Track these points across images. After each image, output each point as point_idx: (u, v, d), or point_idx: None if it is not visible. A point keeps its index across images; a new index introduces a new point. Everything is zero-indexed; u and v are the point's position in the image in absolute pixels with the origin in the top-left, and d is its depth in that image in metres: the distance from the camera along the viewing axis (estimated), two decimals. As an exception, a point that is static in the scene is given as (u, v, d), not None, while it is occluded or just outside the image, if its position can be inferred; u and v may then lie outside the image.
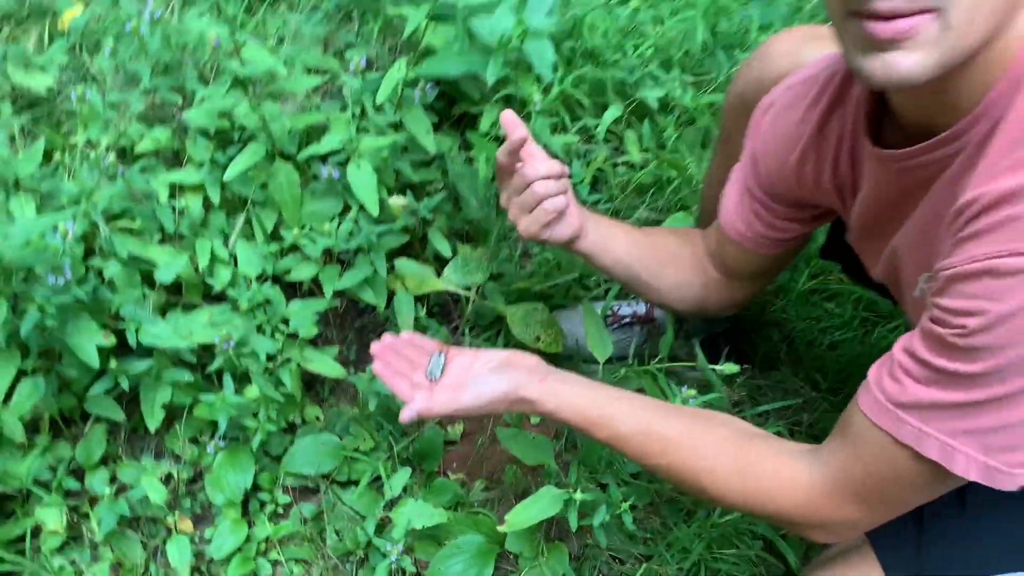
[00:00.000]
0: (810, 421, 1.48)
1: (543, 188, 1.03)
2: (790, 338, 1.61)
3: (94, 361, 1.15)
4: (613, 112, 1.64)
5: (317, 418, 1.42)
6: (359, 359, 1.51)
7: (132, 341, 1.22)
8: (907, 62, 0.66)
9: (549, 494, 1.11)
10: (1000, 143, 0.69)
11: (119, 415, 1.31)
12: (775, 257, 1.14)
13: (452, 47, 1.30)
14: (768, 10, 1.62)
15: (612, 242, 1.15)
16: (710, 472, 0.90)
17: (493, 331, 1.53)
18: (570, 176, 1.09)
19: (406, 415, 0.95)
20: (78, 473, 1.30)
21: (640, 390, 1.27)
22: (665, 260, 1.19)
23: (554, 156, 1.59)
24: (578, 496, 1.10)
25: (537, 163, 1.04)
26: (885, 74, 0.67)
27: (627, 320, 1.53)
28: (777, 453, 0.89)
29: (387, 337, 1.06)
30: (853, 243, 1.03)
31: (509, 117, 1.04)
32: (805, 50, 1.05)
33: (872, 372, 0.80)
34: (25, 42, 1.71)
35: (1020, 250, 0.64)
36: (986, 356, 0.68)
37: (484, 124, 1.53)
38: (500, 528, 1.15)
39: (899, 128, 0.83)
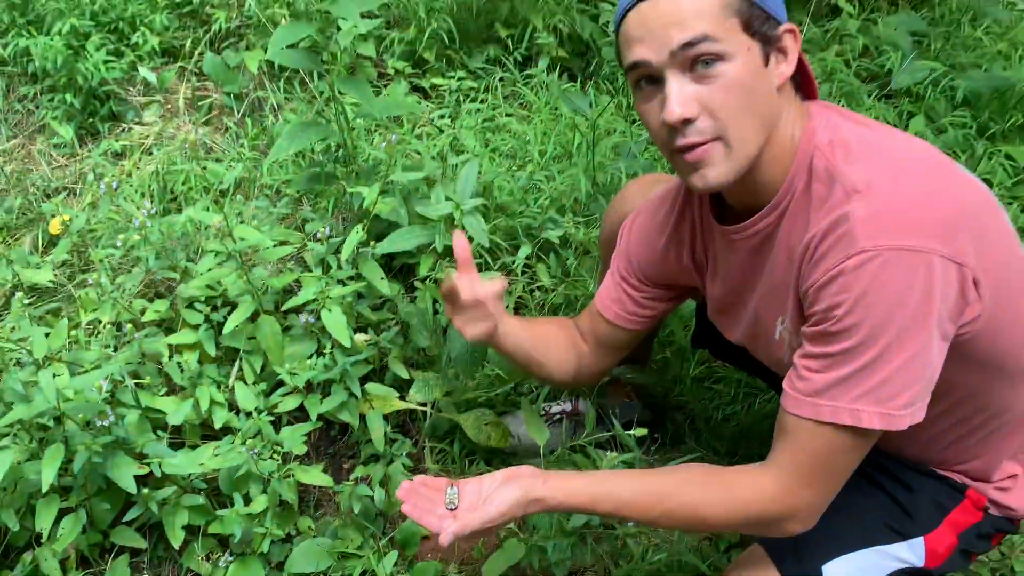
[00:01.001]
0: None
1: (490, 305, 1.32)
2: (691, 417, 1.96)
3: (132, 487, 1.41)
4: (525, 251, 2.04)
5: (310, 527, 1.67)
6: (340, 473, 1.78)
7: (157, 472, 1.48)
8: (713, 173, 1.05)
9: (512, 545, 1.40)
10: (815, 203, 1.06)
11: (141, 543, 1.54)
12: (636, 332, 1.46)
13: (402, 224, 1.67)
14: (633, 163, 2.08)
15: (510, 333, 1.39)
16: (703, 504, 1.09)
17: (449, 438, 1.83)
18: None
19: (445, 538, 1.06)
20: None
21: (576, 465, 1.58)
22: (549, 342, 1.45)
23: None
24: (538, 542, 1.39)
25: (477, 285, 1.30)
26: (703, 183, 1.07)
27: (557, 416, 1.86)
28: (742, 472, 1.10)
29: (406, 483, 1.16)
30: (714, 317, 1.40)
31: (459, 239, 1.29)
32: (650, 190, 1.45)
33: (785, 383, 1.07)
34: (23, 245, 2.02)
35: (851, 254, 0.98)
36: (855, 331, 0.99)
37: (421, 270, 1.89)
38: (478, 583, 1.42)
39: (734, 213, 1.21)
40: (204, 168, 2.17)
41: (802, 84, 1.15)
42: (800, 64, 1.12)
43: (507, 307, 1.98)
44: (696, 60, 1.00)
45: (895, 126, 2.45)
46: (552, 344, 1.46)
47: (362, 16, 2.56)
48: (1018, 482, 1.26)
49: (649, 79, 1.06)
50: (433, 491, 1.15)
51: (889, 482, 1.25)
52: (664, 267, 1.38)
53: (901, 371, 0.99)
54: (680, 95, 1.01)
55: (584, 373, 1.49)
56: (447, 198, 1.68)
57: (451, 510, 1.11)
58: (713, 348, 1.69)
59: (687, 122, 1.02)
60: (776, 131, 1.08)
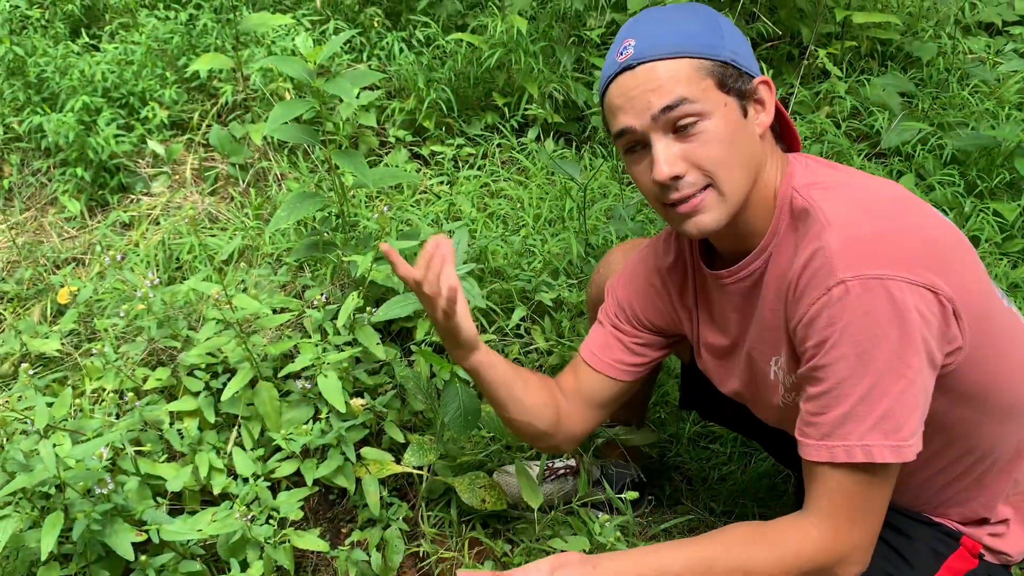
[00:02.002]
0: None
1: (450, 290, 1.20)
2: (687, 477, 1.97)
3: (129, 555, 1.43)
4: (519, 313, 2.08)
5: (306, 593, 1.68)
6: (338, 537, 1.79)
7: (155, 538, 1.50)
8: (707, 218, 1.12)
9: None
10: (795, 241, 1.11)
11: (139, 611, 1.55)
12: (622, 385, 1.43)
13: (398, 291, 1.71)
14: (623, 226, 2.13)
15: (495, 364, 1.35)
16: (753, 563, 1.09)
17: (445, 501, 1.84)
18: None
19: None
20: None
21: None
22: (530, 386, 1.40)
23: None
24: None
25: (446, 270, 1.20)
26: (697, 229, 1.13)
27: (561, 471, 1.86)
28: (785, 524, 1.11)
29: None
30: (708, 367, 1.41)
31: (388, 250, 1.19)
32: (631, 254, 1.50)
33: (797, 432, 1.10)
34: (32, 315, 2.08)
35: (831, 285, 1.02)
36: (846, 360, 1.02)
37: (419, 335, 1.93)
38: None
39: (722, 259, 1.27)
40: (208, 236, 2.23)
41: (784, 135, 1.23)
42: (780, 116, 1.20)
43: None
44: (677, 122, 1.08)
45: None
46: (533, 389, 1.41)
47: (363, 88, 2.67)
48: (1011, 527, 1.27)
49: (637, 144, 1.13)
50: None
51: (886, 530, 1.26)
52: (659, 305, 1.41)
53: (900, 401, 1.02)
54: (666, 155, 1.09)
55: (564, 431, 1.45)
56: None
57: None
58: (702, 409, 1.71)
59: (676, 178, 1.10)
60: (761, 177, 1.15)
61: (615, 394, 1.45)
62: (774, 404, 1.28)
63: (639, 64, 1.10)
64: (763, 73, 1.16)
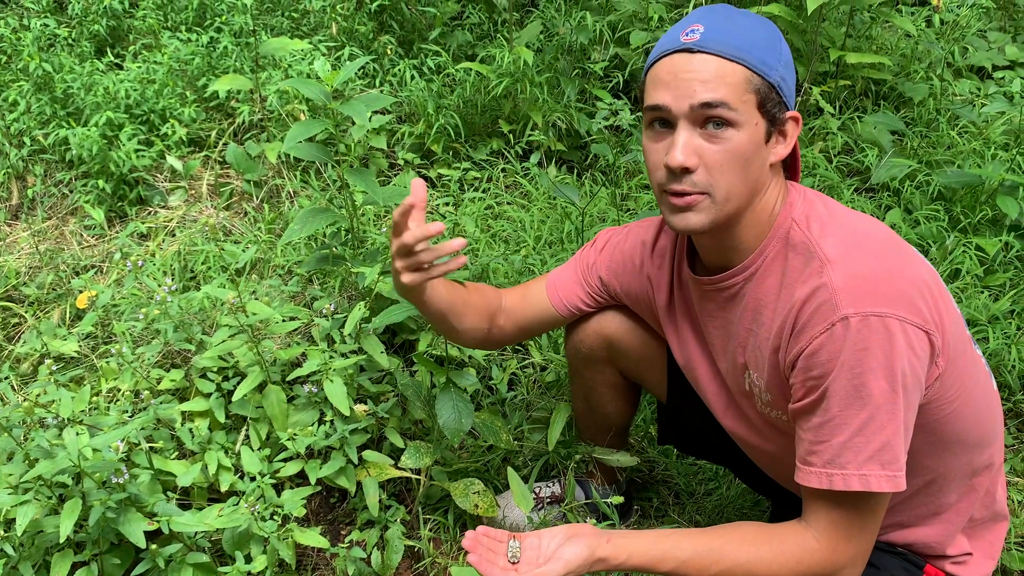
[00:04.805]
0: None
1: (424, 252, 1.23)
2: (675, 491, 2.05)
3: (141, 542, 1.51)
4: (518, 330, 2.17)
5: (306, 590, 1.76)
6: (338, 539, 1.87)
7: (165, 529, 1.58)
8: (695, 219, 1.17)
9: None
10: (791, 273, 1.17)
11: (147, 599, 1.63)
12: (561, 320, 1.58)
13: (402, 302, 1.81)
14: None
15: (437, 293, 1.40)
16: (758, 563, 1.15)
17: (442, 507, 1.92)
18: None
19: None
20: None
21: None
22: (468, 309, 1.48)
23: (479, 364, 2.09)
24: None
25: (419, 228, 1.21)
26: (683, 224, 1.18)
27: (548, 499, 1.91)
28: (788, 531, 1.17)
29: (470, 532, 1.21)
30: (688, 367, 1.46)
31: (418, 184, 1.22)
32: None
33: (798, 460, 1.16)
34: (52, 318, 2.17)
35: (835, 321, 1.09)
36: (845, 392, 1.08)
37: (421, 346, 2.02)
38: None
39: (705, 267, 1.34)
40: (222, 248, 2.34)
41: (790, 164, 1.29)
42: (793, 149, 1.25)
43: (500, 381, 2.10)
44: (709, 119, 1.13)
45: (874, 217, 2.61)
46: (469, 313, 1.49)
47: (375, 112, 2.78)
48: (973, 558, 1.35)
49: (663, 122, 1.17)
50: (494, 542, 1.19)
51: None
52: (635, 284, 1.49)
53: (896, 433, 1.09)
54: (687, 146, 1.13)
55: (490, 344, 1.60)
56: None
57: (513, 563, 1.16)
58: (679, 443, 1.79)
59: (686, 171, 1.14)
60: (760, 200, 1.20)
61: (550, 324, 1.60)
62: (747, 416, 1.36)
63: (700, 51, 1.12)
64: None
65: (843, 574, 1.16)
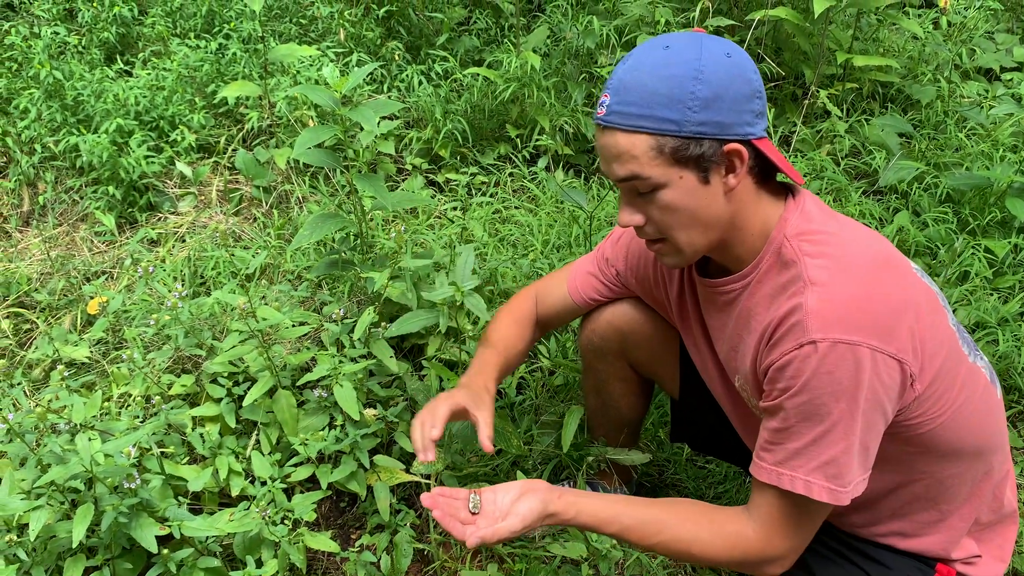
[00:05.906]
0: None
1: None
2: (685, 494, 2.05)
3: (153, 547, 1.52)
4: (526, 334, 2.17)
5: (317, 593, 1.76)
6: (348, 543, 1.88)
7: (177, 534, 1.59)
8: (670, 260, 1.26)
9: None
10: (777, 288, 1.20)
11: (159, 604, 1.63)
12: (582, 309, 1.65)
13: (411, 307, 1.82)
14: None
15: (501, 377, 1.58)
16: (695, 542, 1.22)
17: (451, 510, 1.92)
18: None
19: (472, 542, 1.17)
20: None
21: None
22: (516, 358, 1.62)
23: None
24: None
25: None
26: (665, 264, 1.28)
27: None
28: (729, 516, 1.24)
29: (427, 493, 1.25)
30: (698, 359, 1.50)
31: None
32: None
33: (754, 453, 1.22)
34: (63, 323, 2.18)
35: (803, 343, 1.12)
36: (805, 408, 1.13)
37: (430, 351, 2.03)
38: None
39: (716, 266, 1.35)
40: (232, 254, 2.35)
41: (785, 172, 1.29)
42: (776, 160, 1.23)
43: (509, 386, 2.11)
44: (634, 188, 1.19)
45: (882, 221, 2.61)
46: (516, 357, 1.62)
47: (383, 118, 2.79)
48: (983, 559, 1.35)
49: None
50: (452, 500, 1.24)
51: (867, 562, 1.36)
52: (650, 277, 1.53)
53: (846, 453, 1.14)
54: (626, 209, 1.22)
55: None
56: (451, 283, 1.83)
57: (474, 514, 1.22)
58: (692, 442, 1.80)
59: (637, 227, 1.23)
60: (741, 221, 1.22)
61: (569, 315, 1.67)
62: (742, 413, 1.40)
63: (607, 127, 1.16)
64: (767, 112, 1.23)
65: (772, 566, 1.23)
